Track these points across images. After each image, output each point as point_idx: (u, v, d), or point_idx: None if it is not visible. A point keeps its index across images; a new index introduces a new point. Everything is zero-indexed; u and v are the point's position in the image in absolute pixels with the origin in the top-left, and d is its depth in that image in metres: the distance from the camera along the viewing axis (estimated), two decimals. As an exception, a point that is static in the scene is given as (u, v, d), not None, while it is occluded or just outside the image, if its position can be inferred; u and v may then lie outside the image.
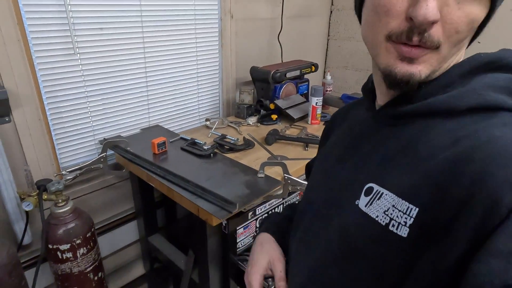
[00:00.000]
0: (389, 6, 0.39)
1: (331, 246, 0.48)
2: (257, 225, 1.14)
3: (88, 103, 1.25)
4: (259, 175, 1.09)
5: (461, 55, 0.44)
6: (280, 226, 0.72)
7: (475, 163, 0.35)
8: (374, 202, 0.43)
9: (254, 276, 0.65)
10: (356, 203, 0.45)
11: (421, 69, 0.40)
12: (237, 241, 1.12)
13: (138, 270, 1.56)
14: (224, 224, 1.05)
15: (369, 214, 0.43)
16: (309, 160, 0.81)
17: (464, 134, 0.38)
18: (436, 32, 0.37)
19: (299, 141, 1.36)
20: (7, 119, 1.07)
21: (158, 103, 1.48)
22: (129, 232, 1.49)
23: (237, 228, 1.07)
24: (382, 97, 0.49)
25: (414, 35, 0.37)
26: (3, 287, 0.95)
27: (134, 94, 1.38)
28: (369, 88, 0.52)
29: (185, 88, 1.56)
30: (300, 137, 1.38)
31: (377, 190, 0.43)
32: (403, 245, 0.38)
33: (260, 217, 1.13)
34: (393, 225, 0.39)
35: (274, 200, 1.13)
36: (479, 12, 0.38)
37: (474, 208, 0.33)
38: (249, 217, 1.09)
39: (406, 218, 0.38)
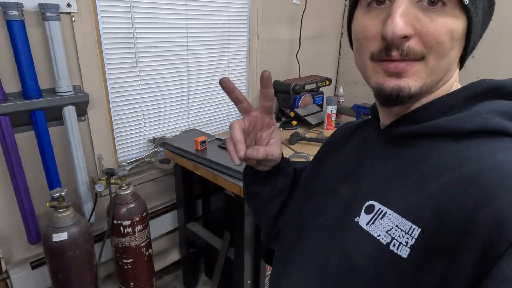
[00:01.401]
0: (366, 32, 0.42)
1: (329, 263, 0.47)
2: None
3: (142, 107, 1.51)
4: (287, 166, 1.31)
5: (453, 71, 0.44)
6: None
7: (480, 186, 0.34)
8: (376, 221, 0.42)
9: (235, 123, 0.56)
10: (356, 220, 0.45)
11: (410, 82, 0.41)
12: (267, 222, 1.34)
13: (174, 256, 1.77)
14: (258, 206, 1.26)
15: (371, 233, 0.42)
16: None
17: (468, 156, 0.38)
18: (415, 45, 0.39)
19: (318, 142, 1.59)
20: (83, 118, 1.32)
21: (196, 110, 1.73)
22: (168, 222, 1.71)
23: (268, 210, 1.29)
24: (385, 117, 0.50)
25: (392, 50, 0.40)
26: (80, 251, 1.17)
27: (178, 102, 1.64)
28: (375, 108, 0.53)
29: (218, 98, 1.82)
30: (318, 138, 1.62)
31: (380, 209, 0.43)
32: (403, 266, 0.37)
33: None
34: (394, 245, 0.39)
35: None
36: (454, 23, 0.39)
37: (478, 231, 0.32)
38: (278, 202, 1.30)
39: (407, 238, 0.38)
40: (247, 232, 1.30)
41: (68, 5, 1.17)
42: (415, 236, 0.37)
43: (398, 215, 0.40)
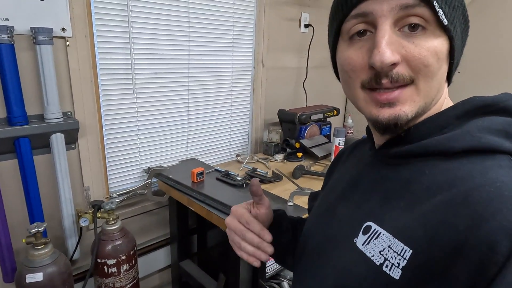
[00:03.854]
0: (354, 63, 0.42)
1: (326, 282, 0.48)
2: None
3: (138, 135, 1.43)
4: (289, 204, 1.20)
5: (442, 89, 0.45)
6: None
7: (469, 207, 0.34)
8: (371, 241, 0.42)
9: (238, 208, 0.63)
10: (354, 241, 0.45)
11: (405, 109, 0.41)
12: (266, 265, 1.21)
13: (166, 296, 1.63)
14: (255, 248, 1.14)
15: (365, 253, 0.42)
16: None
17: (459, 176, 0.37)
18: (403, 70, 0.40)
19: (324, 176, 1.47)
20: (73, 146, 1.25)
21: (195, 139, 1.65)
22: (161, 258, 1.59)
23: (267, 252, 1.16)
24: (378, 137, 0.50)
25: (382, 78, 0.40)
26: (57, 294, 1.05)
27: (177, 130, 1.56)
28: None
29: (220, 126, 1.74)
30: (324, 173, 1.50)
31: (375, 229, 0.43)
32: None
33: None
34: (386, 266, 0.39)
35: (301, 228, 1.22)
36: (438, 44, 0.40)
37: (469, 254, 0.32)
38: (278, 243, 1.18)
39: (399, 259, 0.37)
40: (243, 275, 1.17)
41: (63, 29, 1.12)
42: (407, 258, 0.37)
43: (391, 236, 0.40)
